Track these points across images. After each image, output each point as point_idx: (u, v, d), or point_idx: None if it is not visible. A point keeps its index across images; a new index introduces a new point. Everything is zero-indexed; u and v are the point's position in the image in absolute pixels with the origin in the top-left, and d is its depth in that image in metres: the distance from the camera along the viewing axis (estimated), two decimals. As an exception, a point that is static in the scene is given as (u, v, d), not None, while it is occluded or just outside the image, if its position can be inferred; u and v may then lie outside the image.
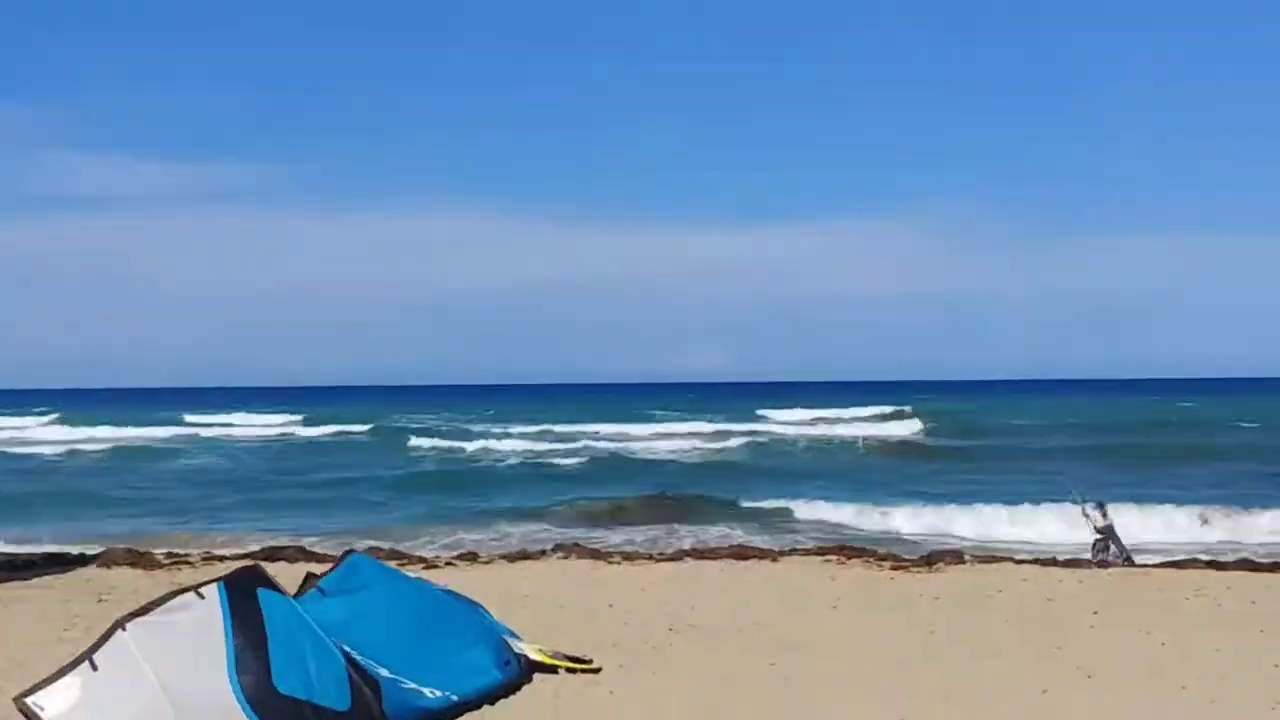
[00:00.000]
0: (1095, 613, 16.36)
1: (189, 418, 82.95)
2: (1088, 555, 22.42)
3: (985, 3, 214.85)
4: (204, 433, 72.69)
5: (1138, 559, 22.63)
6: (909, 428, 69.75)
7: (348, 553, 13.78)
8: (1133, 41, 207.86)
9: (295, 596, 11.96)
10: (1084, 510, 23.23)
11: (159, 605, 11.25)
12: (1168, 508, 31.29)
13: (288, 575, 13.26)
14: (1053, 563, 21.77)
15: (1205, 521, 28.25)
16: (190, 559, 21.71)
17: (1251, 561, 21.79)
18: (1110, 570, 20.57)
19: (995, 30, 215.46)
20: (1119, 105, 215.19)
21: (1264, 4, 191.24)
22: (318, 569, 13.89)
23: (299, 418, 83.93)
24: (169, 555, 22.25)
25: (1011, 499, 30.83)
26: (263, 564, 13.71)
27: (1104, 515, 22.70)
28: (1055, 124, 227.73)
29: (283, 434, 72.10)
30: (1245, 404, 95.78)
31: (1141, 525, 27.43)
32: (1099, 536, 22.57)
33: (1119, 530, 22.89)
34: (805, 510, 32.05)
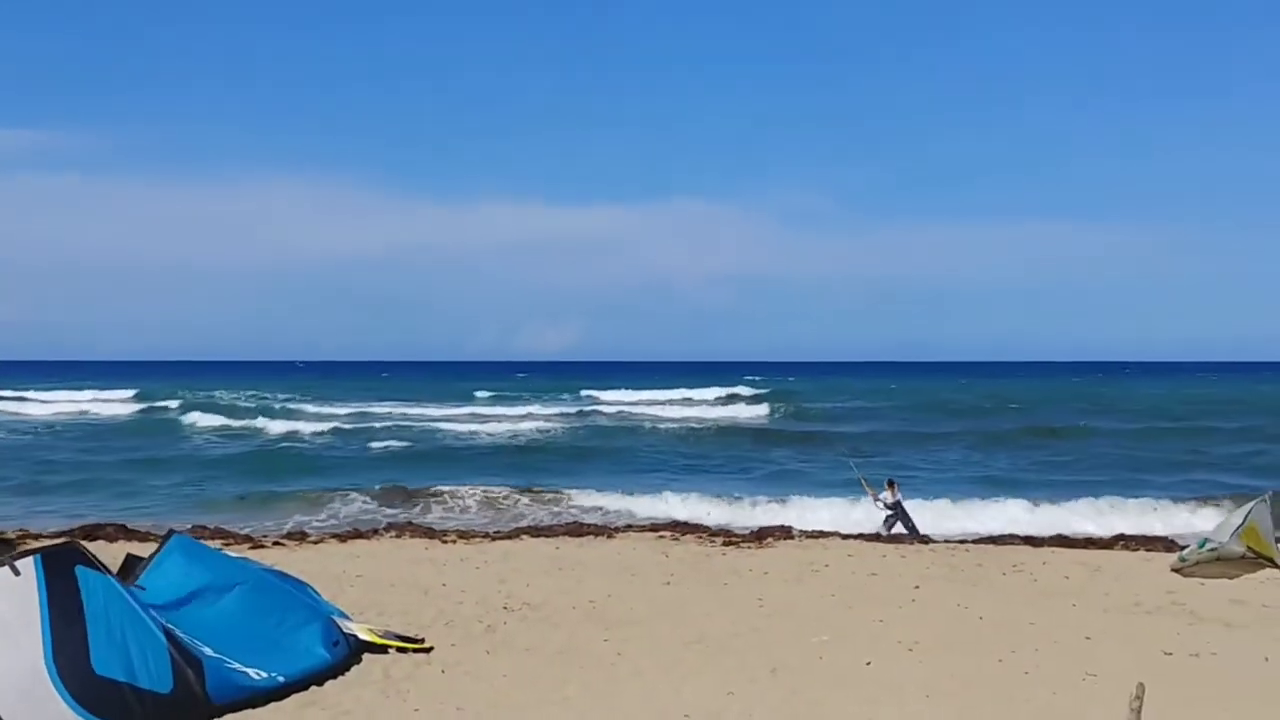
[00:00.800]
0: (917, 587, 16.79)
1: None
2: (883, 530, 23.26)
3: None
4: (20, 410, 69.65)
5: (961, 536, 23.46)
6: (743, 411, 70.29)
7: (170, 532, 13.42)
8: (963, 32, 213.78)
9: (118, 575, 11.60)
10: (864, 484, 24.29)
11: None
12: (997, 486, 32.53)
13: (108, 554, 12.83)
14: (877, 539, 22.24)
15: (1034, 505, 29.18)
16: (5, 535, 20.87)
17: (1065, 537, 22.55)
18: (932, 546, 21.10)
19: (836, 18, 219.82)
20: (950, 99, 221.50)
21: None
22: (139, 549, 13.49)
23: (114, 394, 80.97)
24: (-18, 534, 21.39)
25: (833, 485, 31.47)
26: (82, 542, 13.27)
27: (894, 493, 23.70)
28: (888, 115, 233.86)
29: (88, 411, 69.16)
30: (1075, 387, 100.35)
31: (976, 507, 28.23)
32: (889, 513, 23.46)
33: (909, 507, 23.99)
34: (640, 491, 32.23)
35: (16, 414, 66.34)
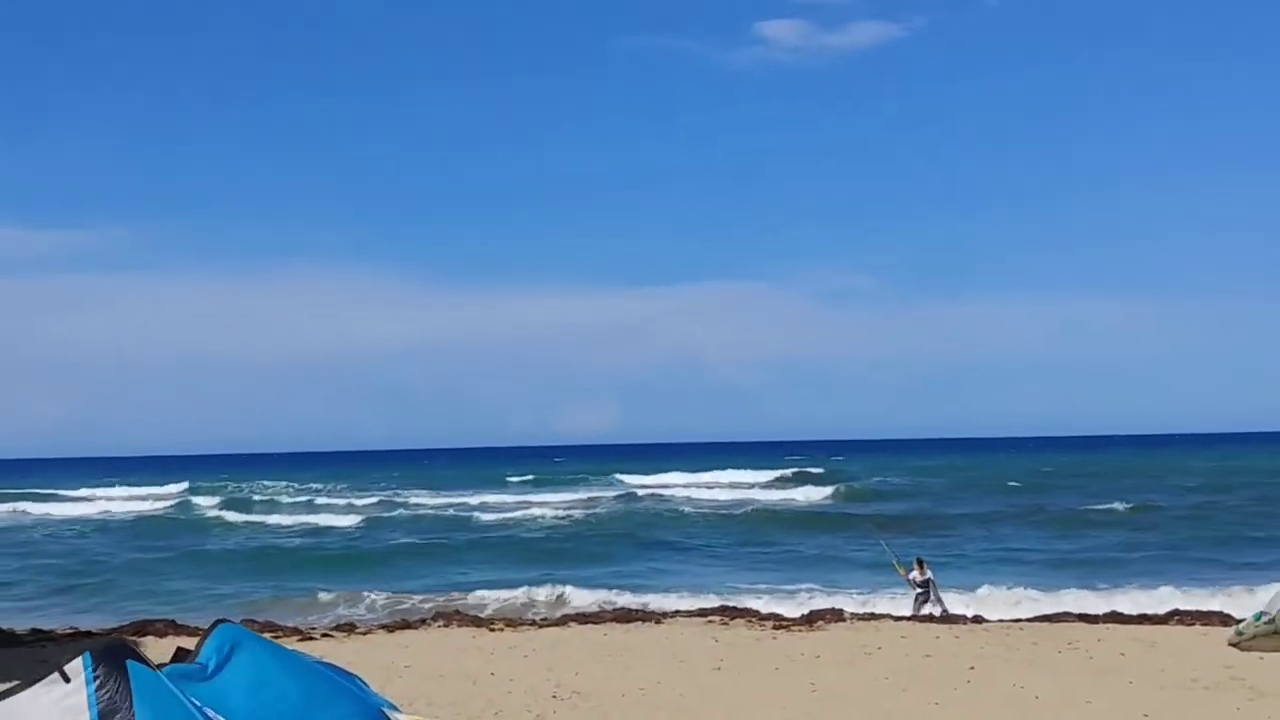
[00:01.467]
0: (972, 668, 16.53)
1: (35, 491, 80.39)
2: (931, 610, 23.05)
3: (861, 77, 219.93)
4: (54, 510, 69.78)
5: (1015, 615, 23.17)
6: (792, 492, 69.24)
7: (218, 622, 13.39)
8: (991, 112, 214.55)
9: (167, 666, 11.57)
10: (895, 564, 24.24)
11: (19, 686, 10.82)
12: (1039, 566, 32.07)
13: (157, 649, 12.82)
14: (930, 619, 21.97)
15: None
16: (54, 634, 20.92)
17: (1120, 614, 22.19)
18: (986, 626, 20.82)
19: (869, 101, 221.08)
20: (983, 176, 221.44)
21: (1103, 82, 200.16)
22: (188, 642, 13.49)
23: (157, 489, 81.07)
24: (33, 631, 21.44)
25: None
26: (131, 638, 13.29)
27: (923, 571, 23.63)
28: (925, 196, 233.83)
29: (131, 508, 69.10)
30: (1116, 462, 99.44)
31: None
32: (920, 591, 23.32)
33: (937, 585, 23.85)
34: (687, 575, 31.98)
35: (55, 514, 66.57)
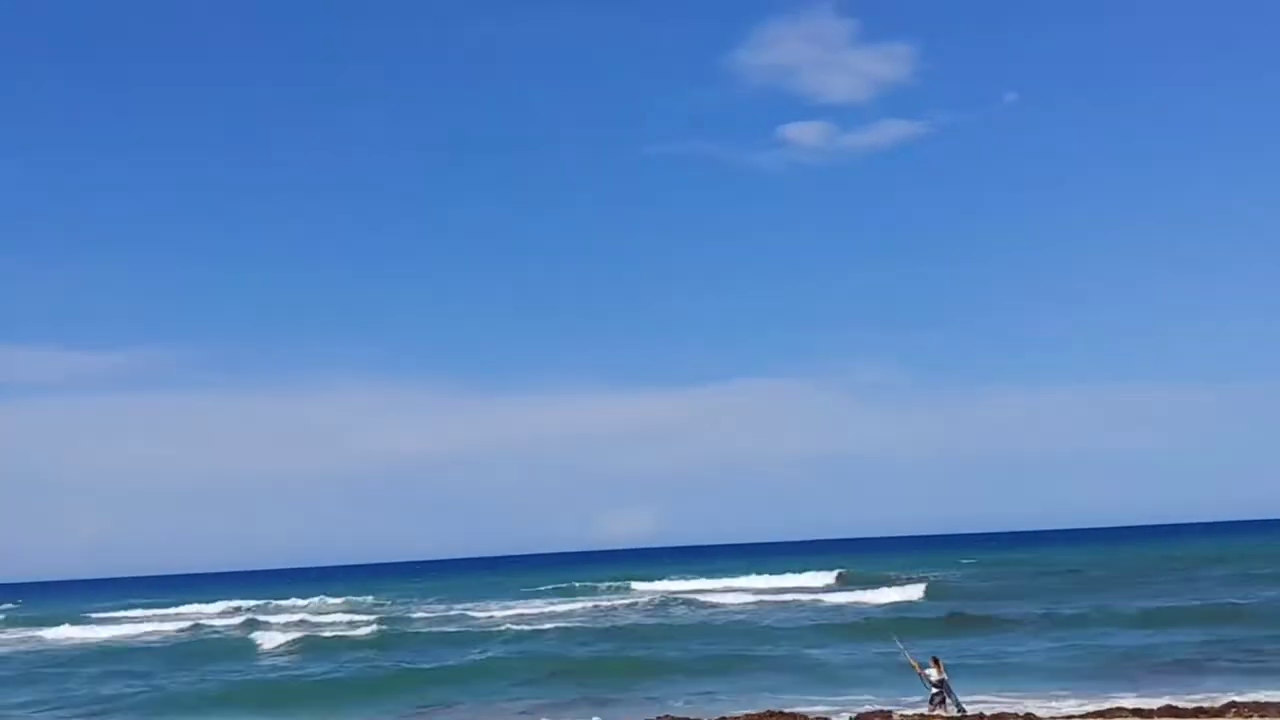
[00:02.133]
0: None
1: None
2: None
3: (884, 174, 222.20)
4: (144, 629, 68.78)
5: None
6: (842, 595, 67.47)
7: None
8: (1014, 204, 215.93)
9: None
10: (912, 664, 24.28)
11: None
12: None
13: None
14: (980, 718, 21.61)
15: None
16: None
17: (1174, 708, 21.80)
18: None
19: (893, 198, 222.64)
20: (1011, 268, 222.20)
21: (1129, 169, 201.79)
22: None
23: (198, 608, 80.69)
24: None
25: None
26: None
27: (939, 670, 23.59)
28: (955, 286, 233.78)
29: (160, 630, 68.05)
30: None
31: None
32: (935, 690, 23.37)
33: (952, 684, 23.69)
34: (735, 681, 31.52)
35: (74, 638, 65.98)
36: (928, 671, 23.58)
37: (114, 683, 40.90)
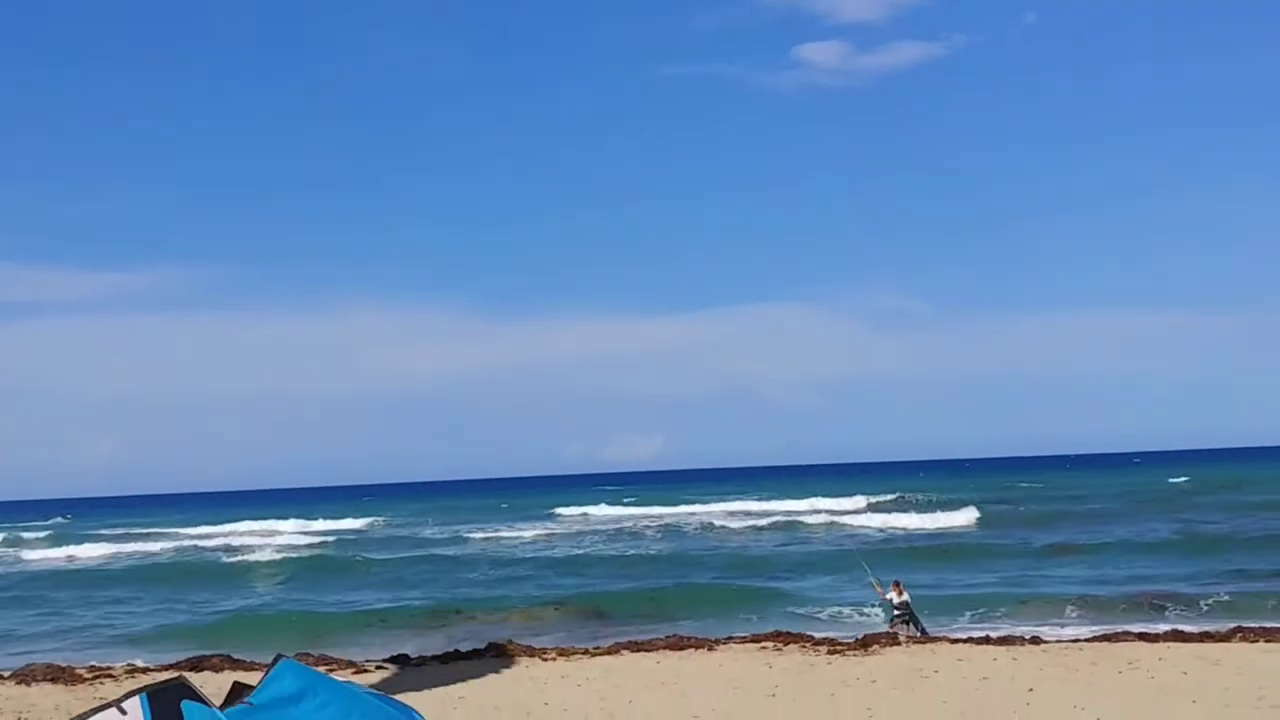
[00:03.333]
0: (1031, 690, 16.40)
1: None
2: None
3: (902, 95, 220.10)
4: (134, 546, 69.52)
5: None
6: (854, 517, 67.82)
7: (277, 658, 13.53)
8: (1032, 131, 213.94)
9: (222, 708, 11.68)
10: (875, 585, 25.02)
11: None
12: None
13: (214, 684, 12.95)
14: (986, 641, 21.72)
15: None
16: (113, 672, 21.10)
17: (1181, 631, 21.93)
18: (1044, 647, 20.61)
19: (910, 119, 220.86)
20: (1030, 188, 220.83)
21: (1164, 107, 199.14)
22: (245, 677, 13.61)
23: (215, 528, 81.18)
24: (91, 669, 21.63)
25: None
26: (187, 674, 13.41)
27: (900, 593, 24.15)
28: (972, 209, 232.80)
29: (196, 544, 68.73)
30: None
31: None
32: (897, 612, 23.93)
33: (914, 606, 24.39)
34: (741, 599, 31.82)
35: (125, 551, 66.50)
36: (889, 595, 24.16)
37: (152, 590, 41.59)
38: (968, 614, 28.73)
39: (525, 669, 20.13)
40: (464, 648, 23.63)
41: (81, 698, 18.41)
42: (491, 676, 19.33)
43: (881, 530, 58.17)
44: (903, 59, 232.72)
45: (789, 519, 66.46)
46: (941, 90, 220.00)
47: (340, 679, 14.56)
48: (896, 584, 24.34)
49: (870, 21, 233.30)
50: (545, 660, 21.05)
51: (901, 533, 56.72)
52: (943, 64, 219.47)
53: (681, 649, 21.78)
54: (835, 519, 64.98)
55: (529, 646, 22.90)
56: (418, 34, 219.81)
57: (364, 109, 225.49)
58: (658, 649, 21.90)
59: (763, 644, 21.92)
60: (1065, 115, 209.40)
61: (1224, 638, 20.80)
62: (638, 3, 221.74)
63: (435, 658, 22.17)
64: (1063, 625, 26.07)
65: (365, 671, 20.16)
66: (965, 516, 60.93)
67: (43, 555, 65.29)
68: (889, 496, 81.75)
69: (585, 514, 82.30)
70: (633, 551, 51.69)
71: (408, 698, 14.87)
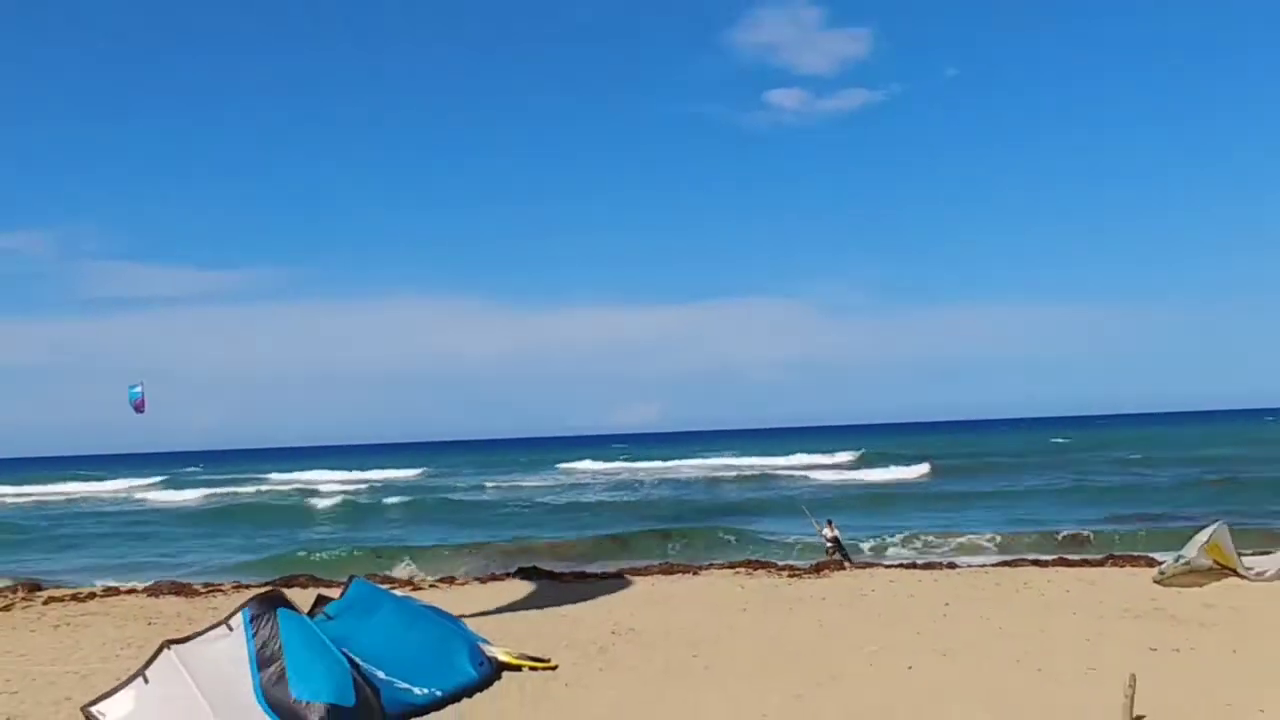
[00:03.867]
0: (947, 604, 16.59)
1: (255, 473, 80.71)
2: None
3: (851, 133, 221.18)
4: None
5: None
6: (804, 470, 68.32)
7: (351, 578, 13.69)
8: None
9: (308, 615, 11.87)
10: (814, 524, 24.96)
11: (198, 634, 11.19)
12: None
13: (301, 598, 13.13)
14: (913, 567, 21.95)
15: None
16: (223, 588, 21.29)
17: (1066, 559, 22.07)
18: (959, 570, 20.79)
19: (859, 151, 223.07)
20: (947, 207, 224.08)
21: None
22: (327, 593, 13.76)
23: (311, 475, 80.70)
24: (205, 585, 21.85)
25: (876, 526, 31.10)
26: (281, 589, 13.59)
27: (832, 530, 24.10)
28: (905, 224, 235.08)
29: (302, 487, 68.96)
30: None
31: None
32: (830, 545, 23.86)
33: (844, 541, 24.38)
34: (716, 535, 31.96)
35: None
36: (824, 532, 24.22)
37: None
38: (902, 547, 28.91)
39: (548, 588, 20.24)
40: (498, 572, 23.79)
41: (198, 607, 18.58)
42: (521, 593, 19.45)
43: (841, 481, 58.22)
44: (851, 103, 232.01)
45: (763, 472, 66.67)
46: (882, 127, 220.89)
47: (403, 596, 14.69)
48: (830, 522, 24.33)
49: (824, 73, 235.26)
50: (563, 582, 21.19)
51: (857, 483, 56.78)
52: (882, 107, 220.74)
53: (671, 574, 21.91)
54: (803, 472, 65.13)
55: (550, 571, 23.04)
56: (448, 68, 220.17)
57: (408, 138, 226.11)
58: (653, 574, 22.02)
59: (737, 570, 22.05)
60: (973, 149, 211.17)
61: (1099, 564, 20.99)
62: (639, 59, 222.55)
63: (476, 579, 22.32)
64: (975, 555, 26.19)
65: (419, 589, 20.26)
66: (914, 471, 61.20)
67: (159, 497, 65.59)
68: (848, 455, 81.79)
69: (598, 467, 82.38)
70: (634, 498, 51.79)
71: (454, 610, 15.06)
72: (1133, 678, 10.49)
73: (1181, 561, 14.78)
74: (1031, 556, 23.15)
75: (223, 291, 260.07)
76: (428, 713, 11.05)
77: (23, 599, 20.26)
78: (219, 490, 67.39)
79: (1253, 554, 17.91)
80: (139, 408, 19.60)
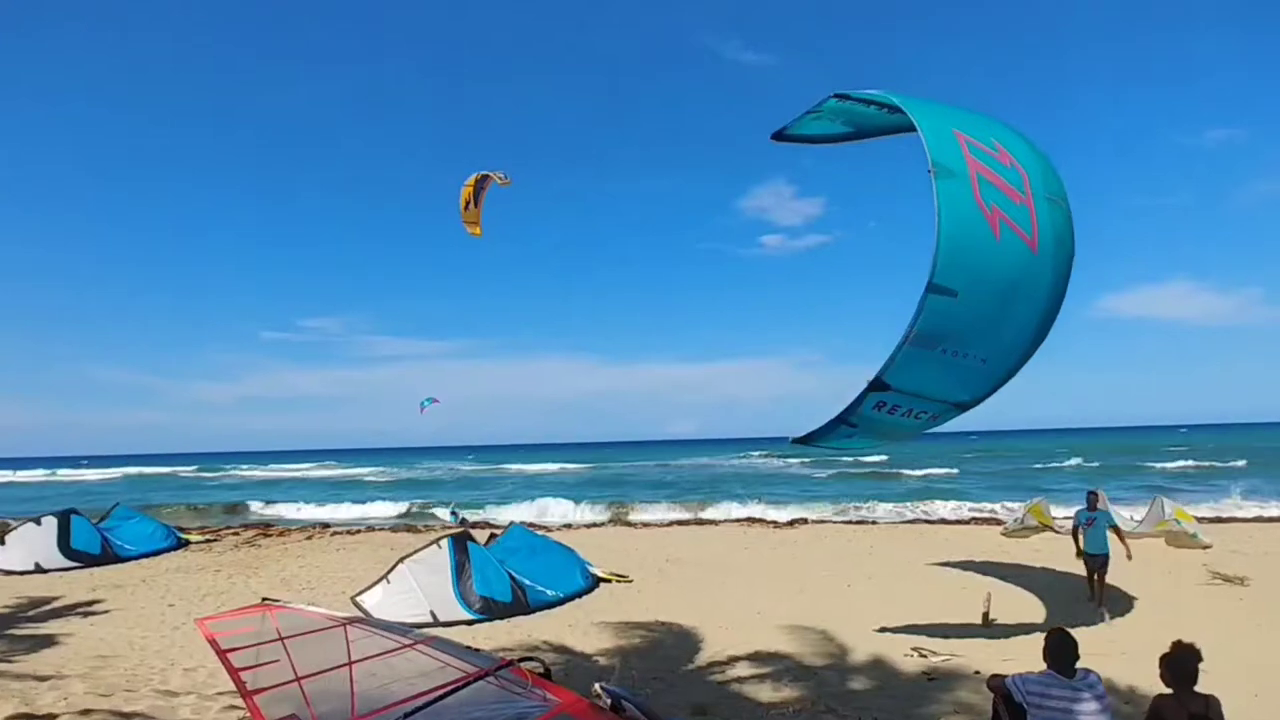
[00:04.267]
0: (872, 547, 16.26)
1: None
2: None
3: (810, 262, 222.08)
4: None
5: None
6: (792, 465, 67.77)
7: (511, 524, 13.89)
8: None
9: (485, 545, 12.07)
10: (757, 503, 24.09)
11: (419, 551, 11.44)
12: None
13: (481, 535, 13.36)
14: (850, 523, 21.51)
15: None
16: (435, 528, 21.58)
17: (945, 520, 21.50)
18: (881, 526, 20.26)
19: (816, 274, 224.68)
20: (853, 301, 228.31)
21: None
22: (496, 532, 13.96)
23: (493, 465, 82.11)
24: (426, 527, 22.17)
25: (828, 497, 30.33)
26: (469, 529, 13.84)
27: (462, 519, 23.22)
28: (838, 314, 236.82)
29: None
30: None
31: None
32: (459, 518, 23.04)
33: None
34: (730, 503, 31.69)
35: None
36: (443, 513, 23.96)
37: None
38: (848, 510, 28.16)
39: (629, 532, 20.19)
40: (597, 521, 23.72)
41: (421, 540, 18.85)
42: (611, 536, 19.40)
43: (802, 475, 57.03)
44: (811, 243, 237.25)
45: (765, 463, 65.58)
46: (830, 258, 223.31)
47: (539, 534, 14.63)
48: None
49: (795, 225, 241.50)
50: (637, 529, 21.15)
51: (827, 470, 55.64)
52: (832, 245, 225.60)
53: (702, 525, 21.79)
54: (789, 466, 63.79)
55: (629, 521, 23.01)
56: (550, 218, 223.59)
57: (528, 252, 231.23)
58: (689, 525, 21.92)
59: (741, 524, 21.85)
60: (886, 271, 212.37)
61: (965, 522, 20.45)
62: (685, 213, 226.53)
63: (584, 526, 22.36)
64: (897, 517, 25.48)
65: (552, 530, 20.34)
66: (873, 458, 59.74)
67: (405, 474, 66.25)
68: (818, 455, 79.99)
69: (660, 463, 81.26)
70: (678, 479, 51.10)
71: (570, 544, 15.02)
72: (989, 594, 10.28)
73: (1018, 521, 14.31)
74: (932, 517, 22.55)
75: (437, 354, 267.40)
76: (554, 606, 11.17)
77: (318, 533, 20.76)
78: (435, 467, 68.20)
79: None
80: (431, 406, 19.95)
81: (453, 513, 23.76)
